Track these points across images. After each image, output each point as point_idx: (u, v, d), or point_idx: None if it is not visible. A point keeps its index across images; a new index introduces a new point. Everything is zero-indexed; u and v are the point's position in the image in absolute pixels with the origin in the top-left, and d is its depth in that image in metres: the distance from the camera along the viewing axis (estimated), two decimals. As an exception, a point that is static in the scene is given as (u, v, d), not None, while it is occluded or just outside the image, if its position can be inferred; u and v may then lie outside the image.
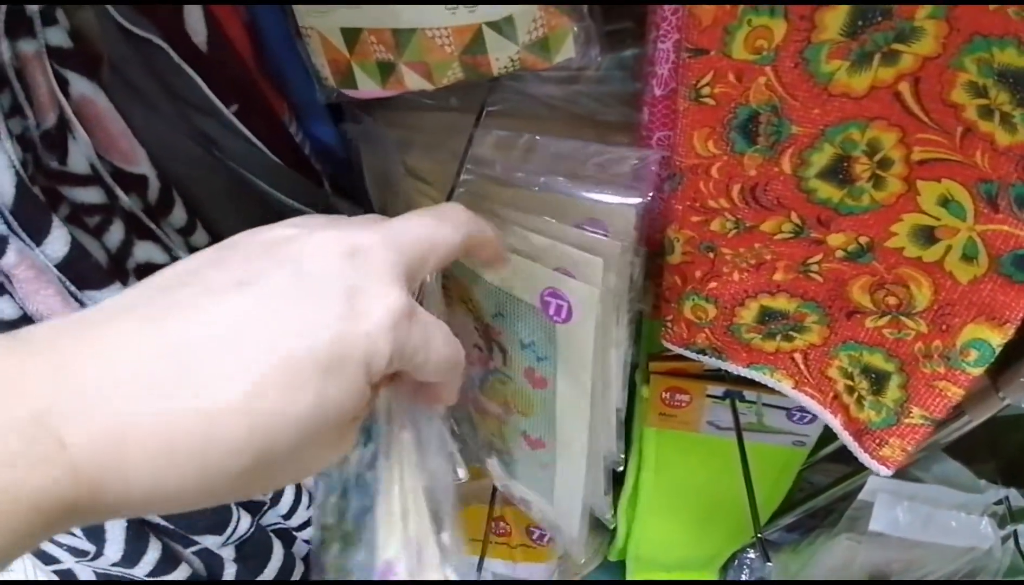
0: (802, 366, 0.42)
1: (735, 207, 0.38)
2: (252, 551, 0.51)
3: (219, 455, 0.20)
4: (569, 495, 0.50)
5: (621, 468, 0.69)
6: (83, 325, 0.21)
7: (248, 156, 0.44)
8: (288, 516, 0.52)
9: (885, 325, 0.37)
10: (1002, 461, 0.66)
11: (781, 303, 0.41)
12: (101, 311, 0.21)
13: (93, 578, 0.48)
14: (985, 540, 0.63)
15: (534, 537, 0.79)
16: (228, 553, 0.49)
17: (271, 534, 0.52)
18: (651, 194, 0.35)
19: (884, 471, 0.39)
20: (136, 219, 0.40)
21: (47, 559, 0.46)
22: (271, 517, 0.53)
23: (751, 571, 0.86)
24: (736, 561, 0.87)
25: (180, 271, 0.23)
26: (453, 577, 0.30)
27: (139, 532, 0.43)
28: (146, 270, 0.39)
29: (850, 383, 0.40)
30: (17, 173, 0.31)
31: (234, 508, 0.47)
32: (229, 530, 0.47)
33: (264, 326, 0.21)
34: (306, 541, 0.56)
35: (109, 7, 0.35)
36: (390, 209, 0.50)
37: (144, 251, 0.40)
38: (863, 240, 0.36)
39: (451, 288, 0.43)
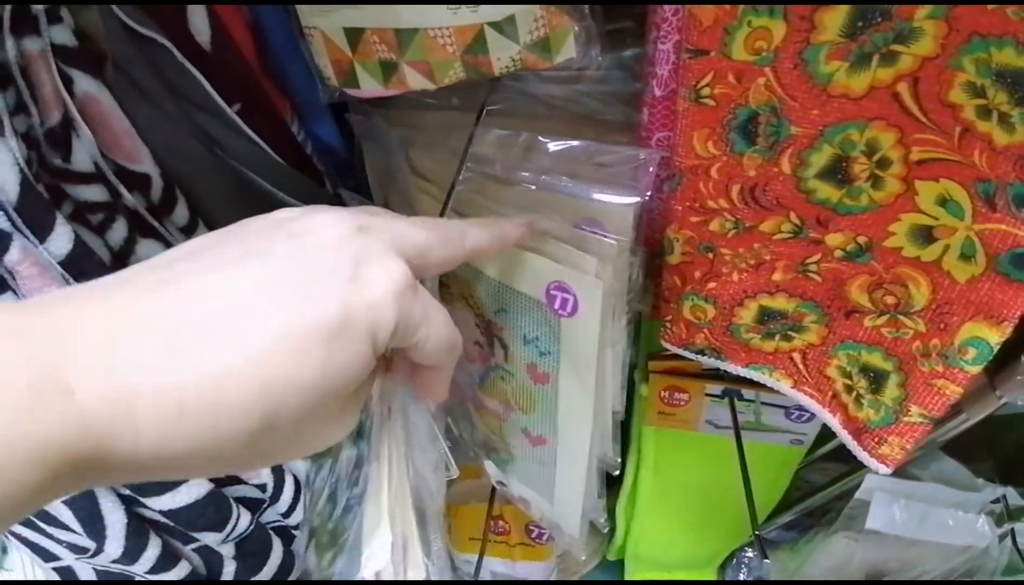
0: (801, 365, 0.43)
1: (734, 207, 0.38)
2: (251, 549, 0.51)
3: (228, 415, 0.20)
4: (570, 493, 0.50)
5: (617, 471, 0.70)
6: (90, 291, 0.21)
7: (251, 155, 0.44)
8: (287, 514, 0.52)
9: (883, 324, 0.37)
10: (999, 460, 0.66)
11: (780, 303, 0.41)
12: (106, 282, 0.22)
13: (93, 575, 0.48)
14: (982, 538, 0.63)
15: (533, 536, 0.79)
16: (228, 550, 0.49)
17: (270, 532, 0.53)
18: (649, 193, 0.35)
19: (883, 469, 0.39)
20: (139, 217, 0.40)
21: (47, 556, 0.46)
22: (270, 515, 0.53)
23: (749, 569, 0.86)
24: (734, 560, 0.87)
25: (184, 250, 0.23)
26: (435, 575, 0.30)
27: (139, 529, 0.44)
28: (149, 268, 0.39)
29: (849, 382, 0.40)
30: (21, 170, 0.31)
31: (234, 505, 0.47)
32: (229, 527, 0.47)
33: (271, 294, 0.21)
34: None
35: (114, 6, 0.36)
36: (392, 207, 0.50)
37: (147, 249, 0.40)
38: (861, 240, 0.36)
39: (451, 285, 0.43)
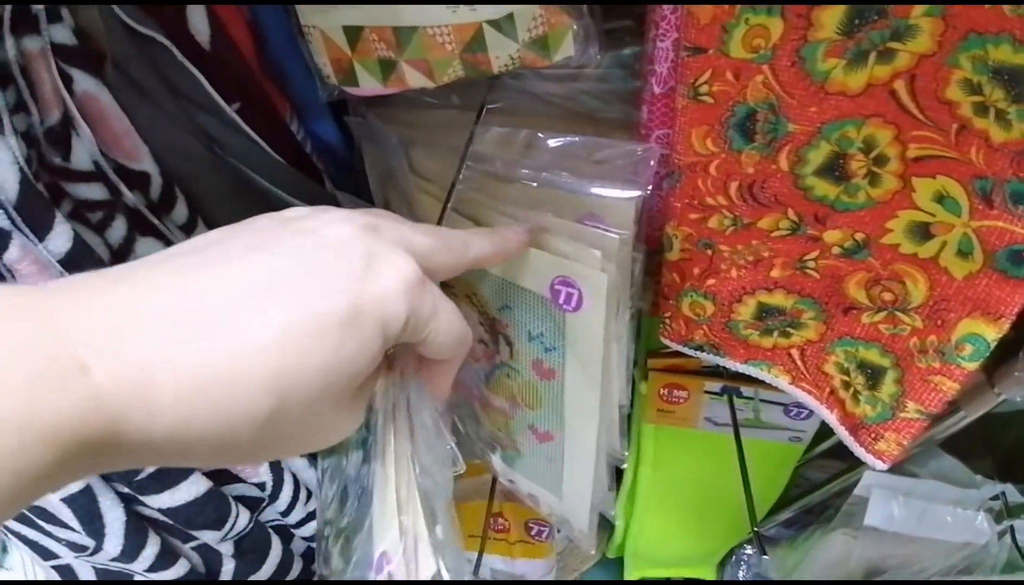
0: (799, 362, 0.43)
1: (733, 204, 0.38)
2: (251, 547, 0.51)
3: (242, 398, 0.20)
4: (578, 488, 0.50)
5: (632, 463, 0.70)
6: (104, 277, 0.21)
7: (250, 154, 0.44)
8: (286, 513, 0.53)
9: (881, 321, 0.37)
10: (998, 457, 0.66)
11: (778, 299, 0.41)
12: (120, 269, 0.22)
13: (92, 574, 0.48)
14: (981, 535, 0.63)
15: (532, 533, 0.79)
16: (227, 549, 0.49)
17: (270, 531, 0.53)
18: (650, 187, 0.35)
19: (880, 465, 0.39)
20: (139, 215, 0.40)
21: (46, 555, 0.46)
22: (269, 514, 0.53)
23: (748, 567, 0.86)
24: (734, 557, 0.87)
25: (195, 243, 0.24)
26: (445, 571, 0.30)
27: (138, 527, 0.44)
28: (148, 266, 0.39)
29: (846, 378, 0.40)
30: (21, 169, 0.32)
31: (233, 504, 0.47)
32: (228, 526, 0.47)
33: (285, 283, 0.22)
34: (304, 538, 0.57)
35: (113, 5, 0.36)
36: (392, 207, 0.50)
37: (146, 247, 0.40)
38: (859, 237, 0.36)
39: (454, 284, 0.43)
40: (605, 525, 0.81)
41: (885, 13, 0.29)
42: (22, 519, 0.43)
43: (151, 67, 0.38)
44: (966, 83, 0.29)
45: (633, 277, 0.41)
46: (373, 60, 0.40)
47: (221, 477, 0.47)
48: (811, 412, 0.58)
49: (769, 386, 0.45)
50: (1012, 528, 0.63)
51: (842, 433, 0.41)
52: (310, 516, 0.54)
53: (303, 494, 0.52)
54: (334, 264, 0.23)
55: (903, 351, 0.37)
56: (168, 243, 0.41)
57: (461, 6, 0.36)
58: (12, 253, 0.32)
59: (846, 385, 0.40)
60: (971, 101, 0.29)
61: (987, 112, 0.28)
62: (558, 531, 0.85)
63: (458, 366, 0.31)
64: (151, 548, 0.45)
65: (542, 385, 0.44)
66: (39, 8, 0.33)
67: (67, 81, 0.35)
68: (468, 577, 0.31)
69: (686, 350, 0.47)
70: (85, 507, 0.41)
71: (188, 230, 0.43)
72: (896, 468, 0.62)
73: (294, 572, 0.55)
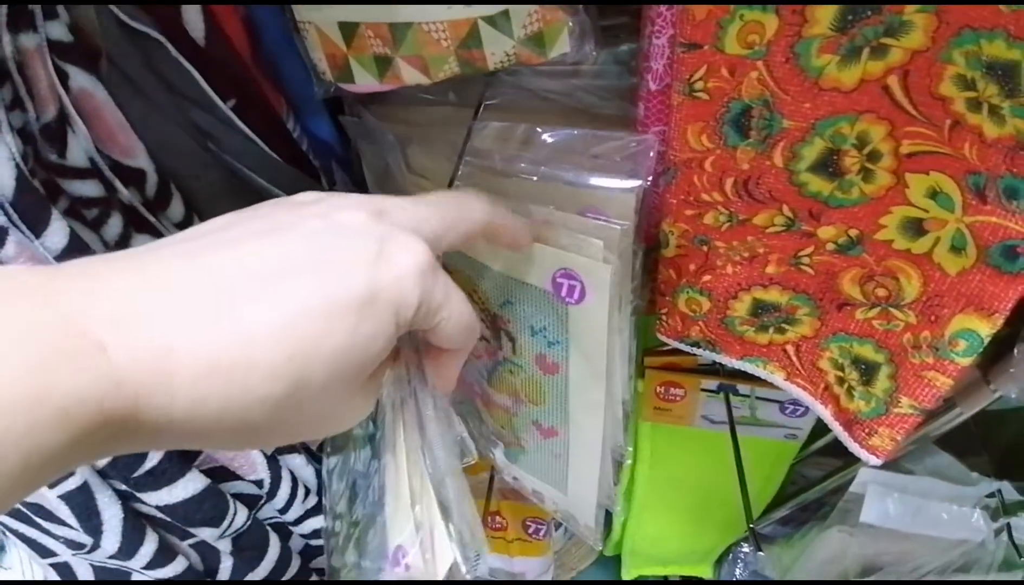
0: (794, 358, 0.43)
1: (728, 200, 0.38)
2: (249, 544, 0.51)
3: (259, 378, 0.20)
4: (584, 483, 0.50)
5: (629, 461, 0.70)
6: (120, 257, 0.21)
7: (245, 151, 0.44)
8: (284, 510, 0.53)
9: (875, 316, 0.38)
10: (995, 455, 0.66)
11: (773, 296, 0.41)
12: (135, 250, 0.22)
13: (90, 572, 0.48)
14: (977, 533, 0.63)
15: (530, 531, 0.79)
16: (225, 546, 0.49)
17: (268, 528, 0.53)
18: (650, 178, 0.35)
19: (874, 460, 0.39)
20: (134, 212, 0.40)
21: (44, 552, 0.46)
22: (267, 511, 0.53)
23: (745, 565, 0.86)
24: (731, 555, 0.87)
25: (209, 226, 0.24)
26: (462, 561, 0.30)
27: (136, 524, 0.44)
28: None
29: (840, 374, 0.40)
30: (17, 166, 0.32)
31: (231, 501, 0.47)
32: (226, 523, 0.47)
33: (300, 265, 0.22)
34: (302, 536, 0.57)
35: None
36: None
37: (142, 244, 0.40)
38: (853, 233, 0.36)
39: (456, 281, 0.43)
40: (603, 522, 0.81)
41: (879, 9, 0.29)
42: (20, 516, 0.43)
43: (146, 64, 0.38)
44: (959, 79, 0.29)
45: (634, 271, 0.41)
46: (369, 56, 0.40)
47: (219, 474, 0.47)
48: (807, 409, 0.58)
49: (765, 383, 0.46)
50: (1008, 525, 0.63)
51: (836, 429, 0.41)
52: (308, 513, 0.54)
53: (301, 491, 0.52)
54: (347, 249, 0.23)
55: (897, 347, 0.37)
56: (164, 240, 0.41)
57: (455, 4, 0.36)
58: (8, 249, 0.32)
59: (840, 381, 0.40)
60: (965, 97, 0.29)
61: (981, 108, 0.28)
62: (556, 528, 0.85)
63: (464, 357, 0.31)
64: (149, 545, 0.45)
65: (546, 380, 0.44)
66: (35, 5, 0.33)
67: (63, 78, 0.35)
68: (489, 564, 0.31)
69: (682, 346, 0.47)
70: (83, 504, 0.41)
71: (184, 227, 0.43)
72: (892, 465, 0.62)
73: (292, 569, 0.55)
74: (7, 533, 0.45)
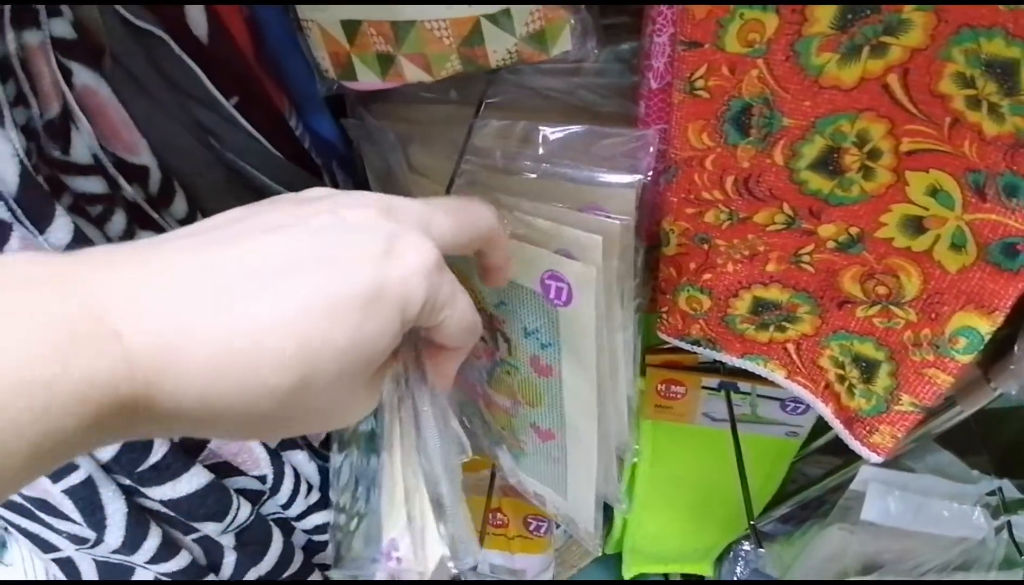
0: (794, 356, 0.43)
1: (729, 199, 0.38)
2: (252, 539, 0.51)
3: (267, 369, 0.21)
4: (582, 487, 0.50)
5: (635, 459, 0.70)
6: (132, 247, 0.21)
7: (248, 149, 0.44)
8: (287, 506, 0.53)
9: (875, 314, 0.38)
10: (995, 454, 0.67)
11: (774, 294, 0.41)
12: (147, 240, 0.22)
13: (92, 566, 0.48)
14: (978, 530, 0.63)
15: (531, 528, 0.80)
16: (228, 541, 0.50)
17: (271, 523, 0.53)
18: (650, 173, 0.35)
19: (874, 458, 0.39)
20: (138, 209, 0.40)
21: (47, 547, 0.46)
22: (270, 507, 0.53)
23: (746, 563, 0.86)
24: (731, 553, 0.88)
25: (216, 221, 0.24)
26: (450, 559, 0.30)
27: (139, 519, 0.44)
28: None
29: (841, 372, 0.40)
30: (21, 162, 0.32)
31: (234, 496, 0.47)
32: (229, 518, 0.47)
33: (310, 259, 0.22)
34: (305, 531, 0.57)
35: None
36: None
37: (146, 241, 0.40)
38: (853, 231, 0.36)
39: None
40: (603, 521, 0.81)
41: (878, 8, 0.29)
42: (23, 511, 0.43)
43: (150, 61, 0.38)
44: (959, 77, 0.29)
45: (635, 268, 0.41)
46: (371, 54, 0.40)
47: (222, 470, 0.47)
48: (807, 407, 0.58)
49: (766, 381, 0.46)
50: (1009, 523, 0.63)
51: (837, 426, 0.41)
52: (311, 509, 0.54)
53: (304, 487, 0.53)
54: (356, 245, 0.23)
55: (897, 344, 0.37)
56: (168, 237, 0.41)
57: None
58: (13, 245, 0.32)
59: (841, 379, 0.41)
60: (964, 94, 0.29)
61: (980, 105, 0.29)
62: (557, 525, 0.85)
63: (464, 356, 0.32)
64: (152, 540, 0.45)
65: (541, 382, 0.44)
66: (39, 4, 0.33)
67: (66, 74, 0.35)
68: (479, 560, 0.32)
69: (683, 345, 0.47)
70: (87, 499, 0.41)
71: (187, 223, 0.43)
72: (893, 463, 0.63)
73: (295, 565, 0.55)
74: (9, 529, 0.46)
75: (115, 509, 0.42)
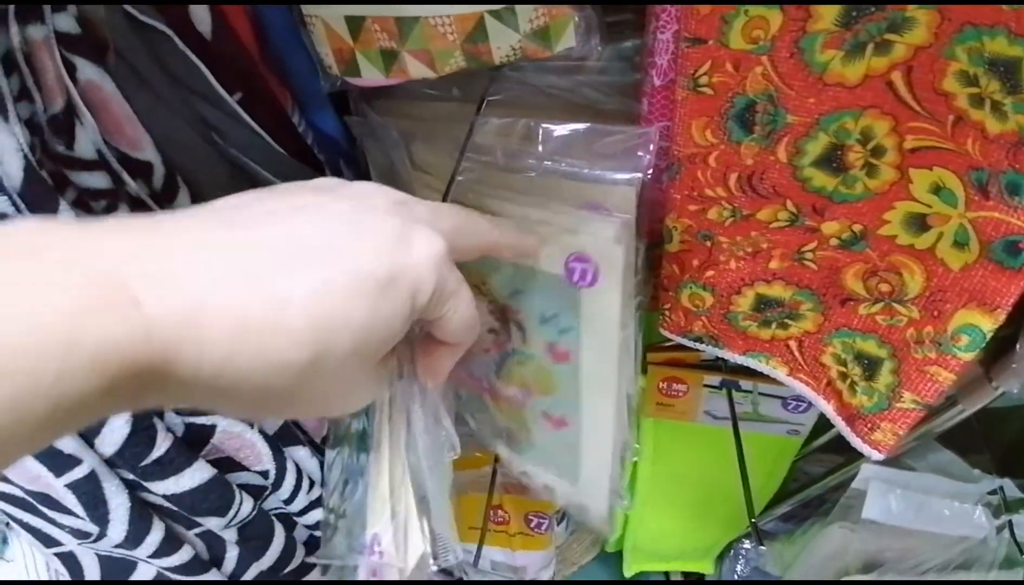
0: (797, 353, 0.43)
1: (732, 196, 0.38)
2: (254, 534, 0.51)
3: (286, 343, 0.21)
4: (596, 472, 0.50)
5: (636, 457, 0.69)
6: (153, 219, 0.21)
7: (251, 145, 0.44)
8: (289, 501, 0.53)
9: (878, 312, 0.38)
10: (997, 453, 0.67)
11: (777, 291, 0.41)
12: (168, 215, 0.22)
13: (95, 561, 0.48)
14: (979, 529, 0.63)
15: (532, 525, 0.80)
16: (230, 535, 0.50)
17: (273, 518, 0.53)
18: (650, 171, 0.36)
19: (876, 455, 0.39)
20: (142, 204, 0.40)
21: (49, 542, 0.46)
22: (273, 502, 0.53)
23: (746, 561, 0.86)
24: (732, 551, 0.88)
25: (230, 201, 0.24)
26: (431, 556, 0.30)
27: (142, 513, 0.44)
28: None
29: (843, 369, 0.40)
30: (25, 157, 0.32)
31: (236, 491, 0.47)
32: (232, 513, 0.47)
33: (327, 241, 0.23)
34: (307, 526, 0.57)
35: (116, -3, 0.36)
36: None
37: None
38: (856, 228, 0.36)
39: (463, 273, 0.44)
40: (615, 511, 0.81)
41: (882, 5, 0.29)
42: (25, 506, 0.43)
43: (154, 57, 0.38)
44: (962, 75, 0.29)
45: (637, 266, 0.41)
46: (375, 50, 0.40)
47: (225, 465, 0.47)
48: (809, 405, 0.58)
49: (768, 379, 0.46)
50: (1010, 523, 0.63)
51: (839, 423, 0.41)
52: (312, 504, 0.55)
53: (305, 483, 0.53)
54: (372, 231, 0.24)
55: (900, 342, 0.37)
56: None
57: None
58: (17, 240, 0.32)
59: (843, 376, 0.41)
60: (967, 93, 0.29)
61: (983, 104, 0.29)
62: (558, 522, 0.85)
63: (460, 353, 0.32)
64: (155, 534, 0.45)
65: (556, 368, 0.44)
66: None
67: (70, 69, 0.35)
68: (459, 558, 0.32)
69: (685, 341, 0.47)
70: (90, 493, 0.41)
71: (191, 219, 0.43)
72: (894, 461, 0.63)
73: (296, 559, 0.55)
74: (11, 524, 0.46)
75: (118, 503, 0.43)
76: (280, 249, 0.22)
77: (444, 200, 0.40)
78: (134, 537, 0.44)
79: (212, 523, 0.47)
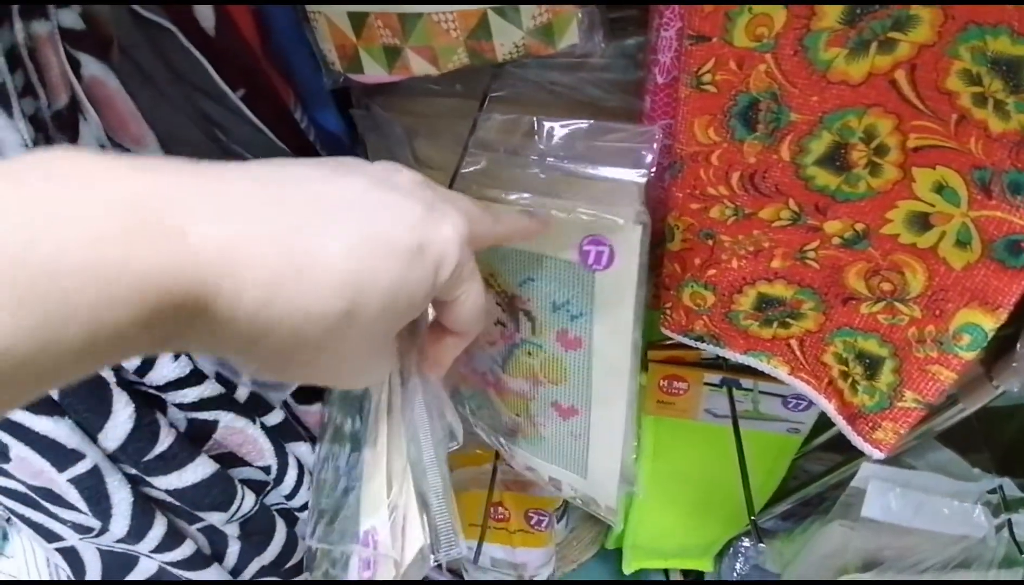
0: (798, 352, 0.43)
1: (734, 194, 0.38)
2: (256, 529, 0.51)
3: (321, 291, 0.21)
4: (606, 460, 0.50)
5: (636, 455, 0.69)
6: (191, 163, 0.21)
7: (254, 141, 0.44)
8: (291, 496, 0.53)
9: (880, 311, 0.38)
10: (997, 452, 0.67)
11: (778, 290, 0.41)
12: (203, 164, 0.22)
13: (96, 556, 0.48)
14: (978, 528, 0.63)
15: (532, 522, 0.80)
16: (232, 530, 0.50)
17: (275, 513, 0.53)
18: (653, 169, 0.36)
19: (877, 454, 0.39)
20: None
21: (50, 537, 0.46)
22: (274, 497, 0.54)
23: (746, 559, 0.87)
24: (731, 549, 0.88)
25: (264, 162, 0.24)
26: (430, 550, 0.30)
27: (145, 508, 0.44)
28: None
29: (844, 368, 0.41)
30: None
31: (239, 486, 0.47)
32: (234, 508, 0.47)
33: (365, 205, 0.24)
34: (308, 523, 0.57)
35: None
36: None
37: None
38: (859, 227, 0.36)
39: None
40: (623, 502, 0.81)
41: (886, 4, 0.29)
42: (27, 501, 0.43)
43: (157, 53, 0.38)
44: (965, 73, 0.29)
45: (641, 263, 0.41)
46: (378, 47, 0.40)
47: (227, 460, 0.47)
48: (810, 403, 0.58)
49: (768, 377, 0.46)
50: (1009, 522, 0.64)
51: (840, 422, 0.41)
52: (313, 501, 0.55)
53: (307, 478, 0.53)
54: (402, 202, 0.25)
55: (901, 341, 0.37)
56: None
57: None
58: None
59: (844, 375, 0.41)
60: (970, 91, 0.29)
61: (986, 103, 0.29)
62: (558, 520, 0.85)
63: (465, 344, 0.33)
64: (158, 529, 0.45)
65: (567, 356, 0.44)
66: (49, -4, 0.34)
67: (75, 65, 0.35)
68: (464, 552, 0.32)
69: (686, 340, 0.47)
70: (92, 488, 0.41)
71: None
72: (894, 460, 0.63)
73: (298, 555, 0.56)
74: (12, 519, 0.46)
75: (121, 498, 0.43)
76: (317, 206, 0.22)
77: None
78: (136, 532, 0.44)
79: (214, 518, 0.47)
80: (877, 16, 0.29)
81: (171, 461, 0.42)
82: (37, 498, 0.43)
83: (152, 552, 0.46)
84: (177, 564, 0.48)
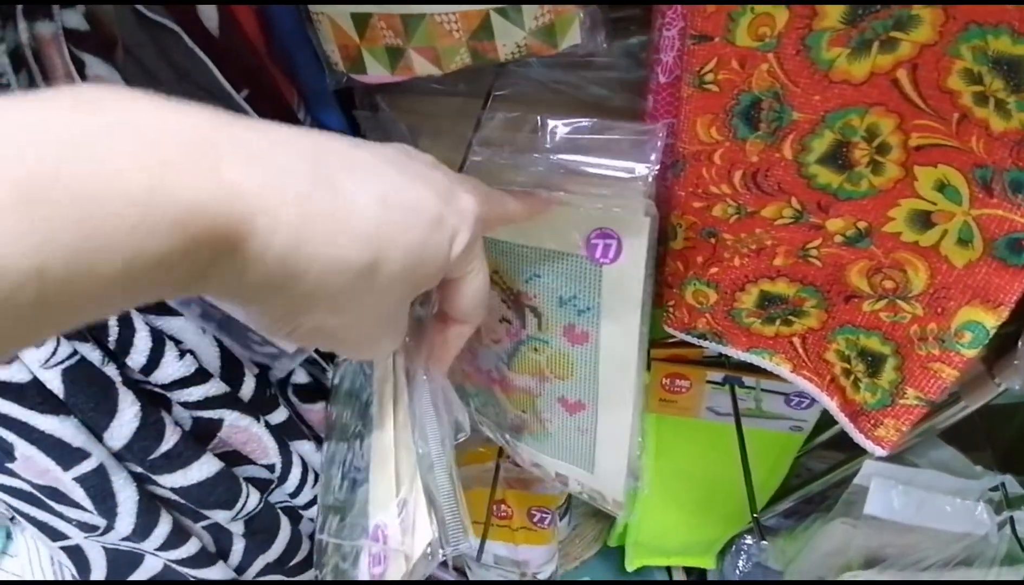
0: (800, 350, 0.43)
1: (736, 193, 0.39)
2: (260, 527, 0.52)
3: (348, 240, 0.22)
4: (613, 454, 0.50)
5: (638, 453, 0.70)
6: (226, 111, 0.21)
7: (258, 141, 0.44)
8: (295, 494, 0.53)
9: (882, 309, 0.38)
10: (999, 450, 0.67)
11: (781, 288, 0.41)
12: (236, 115, 0.23)
13: (101, 554, 0.49)
14: (981, 526, 0.63)
15: (535, 520, 0.80)
16: (237, 528, 0.50)
17: (279, 511, 0.53)
18: (658, 166, 0.36)
19: (879, 451, 0.40)
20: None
21: (55, 535, 0.47)
22: (279, 495, 0.54)
23: (748, 557, 0.87)
24: (734, 547, 0.88)
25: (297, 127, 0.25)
26: (439, 544, 0.30)
27: (150, 506, 0.44)
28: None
29: (847, 366, 0.41)
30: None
31: (243, 484, 0.48)
32: (238, 506, 0.48)
33: (395, 165, 0.25)
34: (312, 520, 0.58)
35: (125, -8, 0.36)
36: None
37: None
38: (861, 225, 0.37)
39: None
40: (605, 515, 0.81)
41: (888, 3, 0.29)
42: (32, 500, 0.44)
43: (161, 53, 0.38)
44: (967, 73, 0.29)
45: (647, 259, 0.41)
46: (381, 48, 0.40)
47: (232, 459, 0.47)
48: (812, 401, 0.59)
49: (770, 376, 0.46)
50: (1012, 519, 0.64)
51: (842, 419, 0.42)
52: (318, 498, 0.55)
53: (311, 477, 0.53)
54: (430, 173, 0.26)
55: (903, 338, 0.37)
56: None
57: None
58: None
59: (847, 372, 0.41)
60: (971, 91, 0.29)
61: (987, 102, 0.29)
62: (560, 518, 0.85)
63: (468, 334, 0.34)
64: (163, 527, 0.45)
65: (574, 351, 0.45)
66: (54, -4, 0.34)
67: (79, 66, 0.35)
68: (470, 546, 0.32)
69: (689, 338, 0.47)
70: (98, 486, 0.42)
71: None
72: (896, 458, 0.63)
73: (302, 553, 0.56)
74: (16, 518, 0.46)
75: (126, 497, 0.43)
76: (354, 160, 0.23)
77: None
78: (142, 530, 0.45)
79: (219, 516, 0.48)
80: (878, 16, 0.29)
81: (176, 459, 0.42)
82: (42, 497, 0.43)
83: (157, 550, 0.46)
84: (182, 562, 0.48)
